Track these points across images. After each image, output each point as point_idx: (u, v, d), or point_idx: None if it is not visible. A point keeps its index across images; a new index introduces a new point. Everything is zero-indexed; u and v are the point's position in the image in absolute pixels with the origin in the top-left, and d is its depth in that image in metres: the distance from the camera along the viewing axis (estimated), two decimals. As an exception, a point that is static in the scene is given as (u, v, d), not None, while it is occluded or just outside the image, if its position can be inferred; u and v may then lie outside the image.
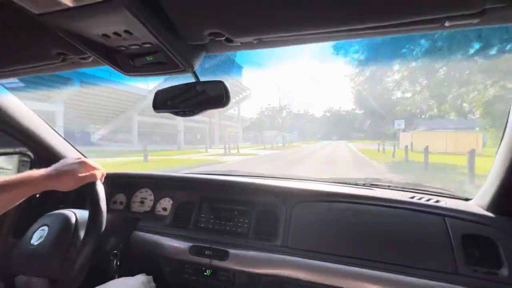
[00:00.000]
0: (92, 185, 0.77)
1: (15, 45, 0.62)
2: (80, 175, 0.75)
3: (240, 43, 0.55)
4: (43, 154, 1.24)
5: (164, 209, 1.23)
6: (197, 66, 0.63)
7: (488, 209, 0.87)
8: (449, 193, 1.09)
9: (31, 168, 1.28)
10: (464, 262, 0.77)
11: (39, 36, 0.58)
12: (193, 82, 0.72)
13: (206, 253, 0.98)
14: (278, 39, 0.55)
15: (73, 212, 0.85)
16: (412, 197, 0.98)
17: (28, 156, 1.29)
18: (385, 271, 0.81)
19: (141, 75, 0.63)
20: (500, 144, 0.81)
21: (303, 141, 57.44)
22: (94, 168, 0.80)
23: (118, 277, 0.93)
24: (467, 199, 1.03)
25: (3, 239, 0.81)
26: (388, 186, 1.19)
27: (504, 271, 0.74)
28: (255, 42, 0.55)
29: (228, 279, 0.96)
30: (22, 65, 0.70)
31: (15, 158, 1.33)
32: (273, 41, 0.56)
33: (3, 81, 0.99)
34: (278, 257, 0.92)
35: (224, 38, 0.52)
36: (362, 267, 0.83)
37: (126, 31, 0.49)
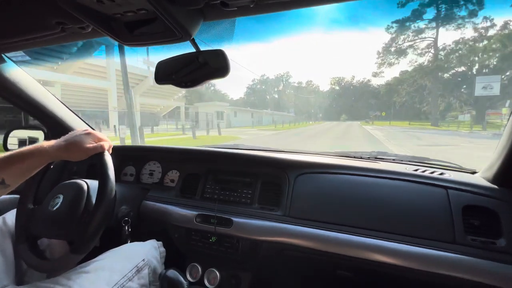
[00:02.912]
0: (100, 155, 0.81)
1: (13, 16, 0.62)
2: (88, 145, 0.78)
3: (237, 7, 0.53)
4: (56, 128, 1.29)
5: (172, 180, 1.28)
6: (194, 34, 0.61)
7: (493, 182, 0.85)
8: (455, 166, 1.08)
9: (45, 140, 1.34)
10: (463, 231, 0.78)
11: (36, 5, 0.58)
12: (193, 52, 0.71)
13: (211, 221, 1.03)
14: (277, 1, 0.52)
15: (85, 181, 0.90)
16: (416, 170, 0.98)
17: (42, 129, 1.35)
18: (382, 240, 0.83)
19: (139, 44, 0.63)
20: (510, 116, 0.78)
21: (287, 124, 37.59)
22: (101, 139, 0.83)
23: (131, 242, 0.99)
24: (473, 172, 1.01)
25: (24, 206, 0.87)
26: (393, 160, 1.18)
27: (502, 241, 0.75)
28: (252, 6, 0.53)
29: (232, 245, 1.01)
30: (23, 36, 0.71)
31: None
32: (271, 3, 0.53)
33: (11, 54, 1.01)
34: (279, 226, 0.95)
35: (219, 1, 0.51)
36: (360, 236, 0.85)
37: None
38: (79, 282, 0.71)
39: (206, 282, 1.05)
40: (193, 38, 0.64)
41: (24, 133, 1.43)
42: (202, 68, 0.73)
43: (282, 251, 0.95)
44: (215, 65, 0.72)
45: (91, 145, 0.78)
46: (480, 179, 0.91)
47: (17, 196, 1.09)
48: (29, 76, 1.11)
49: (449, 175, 0.94)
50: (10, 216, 0.91)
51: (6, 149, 1.33)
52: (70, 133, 0.80)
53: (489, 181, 0.87)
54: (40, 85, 1.17)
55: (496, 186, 0.83)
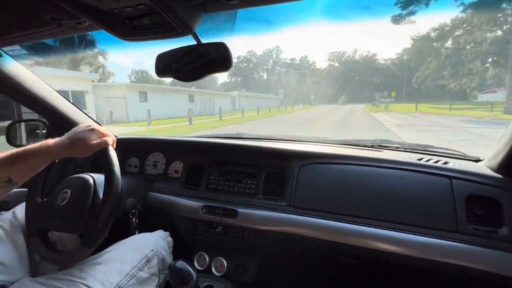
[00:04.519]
0: (105, 151, 0.81)
1: (8, 12, 0.60)
2: (92, 142, 0.77)
3: (239, 0, 0.51)
4: (57, 121, 1.28)
5: (176, 171, 1.29)
6: (196, 28, 0.59)
7: (497, 171, 0.85)
8: (460, 154, 1.08)
9: (47, 133, 1.34)
10: (466, 221, 0.79)
11: (31, 1, 0.55)
12: (194, 45, 0.69)
13: (216, 212, 1.05)
14: None
15: (90, 176, 0.91)
16: (420, 159, 0.98)
17: (44, 123, 1.34)
18: (386, 229, 0.84)
19: (138, 39, 0.61)
20: None
21: (260, 109, 24.67)
22: (105, 135, 0.82)
23: (139, 233, 1.02)
24: (478, 160, 1.01)
25: (33, 200, 0.88)
26: (397, 148, 1.18)
27: (504, 230, 0.76)
28: None
29: (237, 235, 1.04)
30: (18, 32, 0.69)
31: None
32: None
33: (7, 49, 0.98)
34: (284, 216, 0.97)
35: None
36: (364, 225, 0.87)
37: None
38: (92, 273, 0.74)
39: (213, 270, 1.09)
40: (194, 32, 0.62)
41: (26, 127, 1.42)
42: (203, 59, 0.72)
43: (287, 241, 0.98)
44: (217, 58, 0.70)
45: (95, 141, 0.78)
46: (484, 168, 0.91)
47: (25, 189, 1.10)
48: (27, 70, 1.09)
49: (453, 164, 0.94)
50: (20, 210, 0.93)
51: (9, 142, 1.33)
52: (73, 129, 0.79)
53: (493, 170, 0.87)
54: (39, 78, 1.15)
55: (500, 176, 0.84)
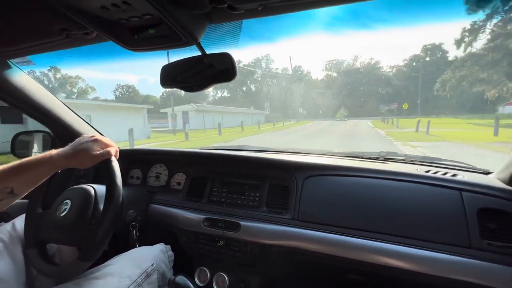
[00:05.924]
0: (107, 162, 0.80)
1: (18, 23, 0.62)
2: (95, 153, 0.77)
3: (244, 10, 0.52)
4: (62, 132, 1.29)
5: (178, 183, 1.27)
6: (201, 38, 0.60)
7: (509, 183, 0.83)
8: (468, 166, 1.05)
9: (52, 144, 1.35)
10: (479, 236, 0.76)
11: (40, 12, 0.57)
12: (199, 56, 0.70)
13: (218, 225, 1.02)
14: (286, 3, 0.51)
15: (92, 187, 0.89)
16: (428, 171, 0.95)
17: (49, 134, 1.35)
18: (394, 244, 0.81)
19: (144, 50, 0.62)
20: None
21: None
22: (108, 145, 0.82)
23: (139, 246, 0.99)
24: (487, 173, 0.99)
25: (33, 210, 0.87)
26: (403, 160, 1.16)
27: None
28: (260, 8, 0.51)
29: (240, 249, 1.00)
30: (28, 43, 0.70)
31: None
32: (280, 6, 0.52)
33: (16, 60, 1.00)
34: (288, 229, 0.94)
35: (226, 5, 0.49)
36: (371, 240, 0.84)
37: (124, 2, 0.47)
38: None
39: (214, 286, 1.05)
40: (199, 42, 0.62)
41: (31, 138, 1.43)
42: (208, 71, 0.72)
43: (291, 255, 0.94)
44: (221, 69, 0.70)
45: (98, 152, 0.77)
46: (495, 180, 0.88)
47: (26, 201, 1.09)
48: (35, 82, 1.11)
49: (462, 176, 0.91)
50: (20, 222, 0.91)
51: (13, 153, 1.33)
52: (76, 140, 0.79)
53: (505, 182, 0.84)
54: (46, 90, 1.17)
55: (511, 188, 0.81)
